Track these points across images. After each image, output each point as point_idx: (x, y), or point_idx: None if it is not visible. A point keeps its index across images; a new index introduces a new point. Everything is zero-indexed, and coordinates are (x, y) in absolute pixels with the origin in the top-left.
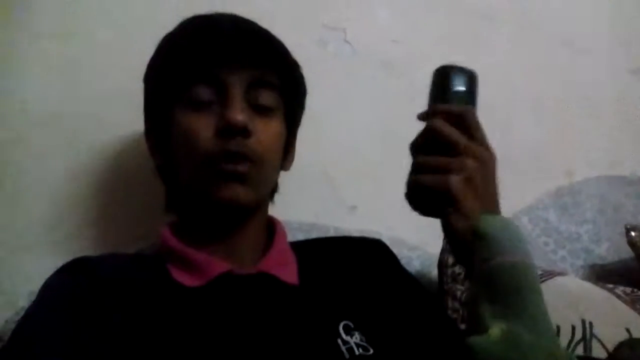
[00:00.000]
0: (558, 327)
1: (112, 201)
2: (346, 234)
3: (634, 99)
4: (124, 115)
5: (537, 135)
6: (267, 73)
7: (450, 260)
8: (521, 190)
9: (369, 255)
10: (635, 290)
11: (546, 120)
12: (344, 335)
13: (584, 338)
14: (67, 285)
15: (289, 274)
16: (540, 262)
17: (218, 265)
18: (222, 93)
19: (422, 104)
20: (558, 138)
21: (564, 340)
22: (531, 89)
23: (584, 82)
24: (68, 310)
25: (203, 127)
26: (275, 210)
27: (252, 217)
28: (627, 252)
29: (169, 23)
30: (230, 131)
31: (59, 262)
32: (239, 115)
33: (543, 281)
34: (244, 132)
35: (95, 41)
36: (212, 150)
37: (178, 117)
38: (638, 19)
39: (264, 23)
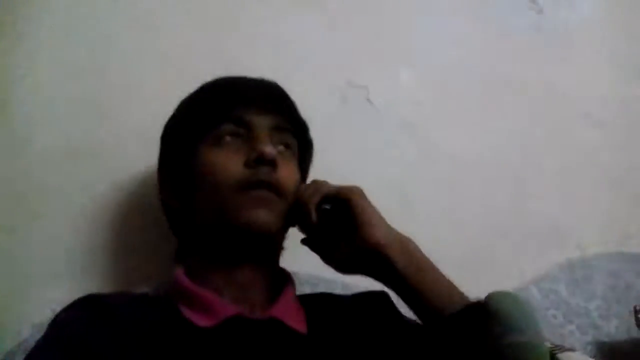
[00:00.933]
0: None
1: (122, 241)
2: (354, 289)
3: None
4: (139, 153)
5: (552, 205)
6: (286, 121)
7: None
8: (533, 260)
9: (374, 306)
10: None
11: (562, 191)
12: None
13: None
14: (77, 322)
15: (299, 322)
16: (549, 335)
17: (229, 307)
18: (249, 131)
19: (441, 167)
20: (573, 210)
21: None
22: (549, 159)
23: (601, 155)
24: (78, 347)
25: (231, 159)
26: (285, 261)
27: (265, 258)
28: (637, 332)
29: (185, 63)
30: (262, 161)
31: (66, 297)
32: (269, 147)
33: (554, 355)
34: (273, 163)
35: (110, 79)
36: (242, 177)
37: (203, 155)
38: None
39: (290, 76)
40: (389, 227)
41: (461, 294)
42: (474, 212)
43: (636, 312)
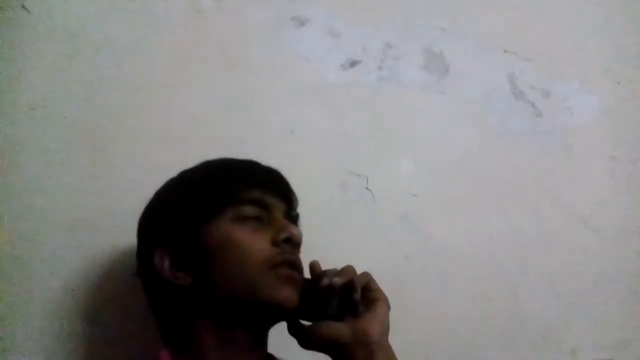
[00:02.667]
0: None
1: (106, 317)
2: None
3: None
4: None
5: (547, 308)
6: (293, 210)
7: None
8: None
9: None
10: None
11: (556, 294)
12: None
13: None
14: None
15: None
16: None
17: None
18: (268, 214)
19: (435, 261)
20: (566, 314)
21: None
22: (543, 261)
23: (598, 262)
24: None
25: (256, 238)
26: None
27: (264, 339)
28: None
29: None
30: (292, 242)
31: None
32: (298, 230)
33: None
34: (298, 245)
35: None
36: (272, 256)
37: (224, 231)
38: None
39: (293, 160)
40: (387, 335)
41: None
42: (466, 309)
43: None
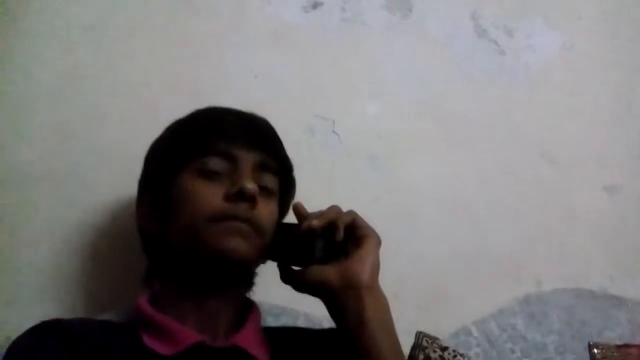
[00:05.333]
0: None
1: (86, 265)
2: (316, 320)
3: (607, 215)
4: (107, 179)
5: (512, 241)
6: (271, 159)
7: (422, 356)
8: (492, 294)
9: (338, 345)
10: None
11: (521, 227)
12: None
13: None
14: (37, 348)
15: (262, 352)
16: None
17: (191, 335)
18: (233, 166)
19: (402, 200)
20: (531, 246)
21: None
22: (508, 196)
23: (560, 196)
24: None
25: (212, 192)
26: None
27: (232, 289)
28: None
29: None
30: (241, 196)
31: (24, 321)
32: (251, 183)
33: None
34: (253, 200)
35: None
36: (220, 210)
37: (185, 183)
38: (612, 139)
39: (258, 105)
40: (377, 277)
41: None
42: (434, 245)
43: (590, 347)
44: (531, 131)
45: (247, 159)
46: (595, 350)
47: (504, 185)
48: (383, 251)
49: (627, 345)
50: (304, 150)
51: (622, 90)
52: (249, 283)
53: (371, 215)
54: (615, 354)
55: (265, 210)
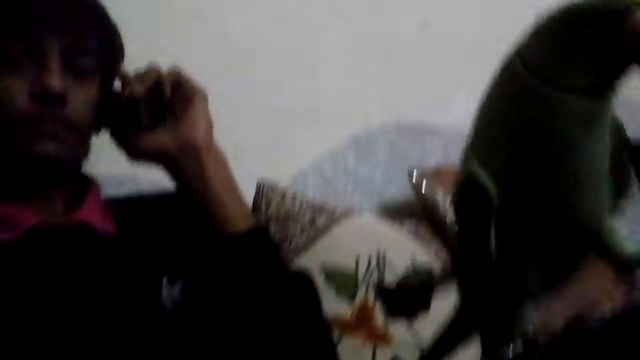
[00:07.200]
0: (358, 258)
1: None
2: (160, 186)
3: (423, 49)
4: None
5: (339, 84)
6: (87, 38)
7: (264, 204)
8: (325, 137)
9: (182, 209)
10: (418, 225)
11: (348, 70)
12: (166, 291)
13: (378, 265)
14: None
15: (106, 225)
16: (340, 203)
17: (29, 218)
18: (39, 55)
19: (234, 53)
20: (357, 87)
21: (362, 268)
22: (335, 41)
23: (382, 36)
24: None
25: (17, 89)
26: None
27: (65, 173)
28: (412, 192)
29: None
30: (47, 97)
31: None
32: (56, 80)
33: (345, 219)
34: (61, 99)
35: None
36: (27, 113)
37: None
38: None
39: None
40: (212, 135)
41: (254, 222)
42: (270, 96)
43: (410, 174)
44: None
45: (56, 44)
46: (415, 176)
47: (331, 30)
48: (219, 107)
49: (440, 168)
50: (125, 8)
51: None
52: (77, 166)
53: (203, 72)
54: (431, 176)
55: (81, 99)
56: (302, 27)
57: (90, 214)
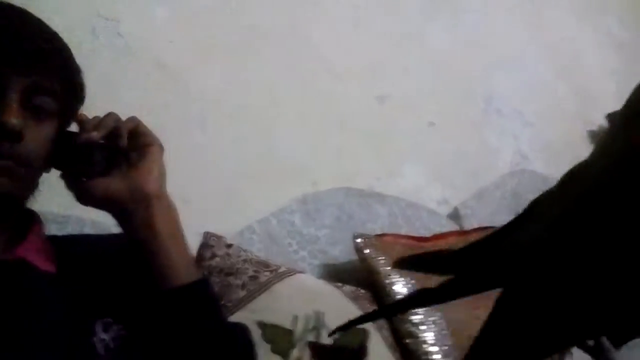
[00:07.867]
0: (296, 317)
1: None
2: (104, 227)
3: (378, 122)
4: None
5: (293, 146)
6: (50, 79)
7: (209, 254)
8: (274, 195)
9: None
10: (358, 288)
11: (302, 133)
12: (100, 333)
13: (316, 326)
14: None
15: (47, 262)
16: (284, 261)
17: None
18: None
19: (197, 107)
20: (309, 151)
21: (300, 327)
22: (294, 106)
23: (340, 105)
24: None
25: None
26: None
27: (11, 209)
28: (355, 255)
29: None
30: (2, 133)
31: None
32: (13, 118)
33: (286, 278)
34: (17, 136)
35: None
36: None
37: None
38: (382, 52)
39: (34, 3)
40: (165, 185)
41: (197, 273)
42: (224, 152)
43: (354, 237)
44: (315, 42)
45: (16, 84)
46: (359, 240)
47: (291, 96)
48: (173, 159)
49: (384, 235)
50: (86, 53)
51: (390, 4)
52: (24, 202)
53: (162, 124)
54: (374, 242)
55: (37, 138)
56: (262, 87)
57: (30, 250)
